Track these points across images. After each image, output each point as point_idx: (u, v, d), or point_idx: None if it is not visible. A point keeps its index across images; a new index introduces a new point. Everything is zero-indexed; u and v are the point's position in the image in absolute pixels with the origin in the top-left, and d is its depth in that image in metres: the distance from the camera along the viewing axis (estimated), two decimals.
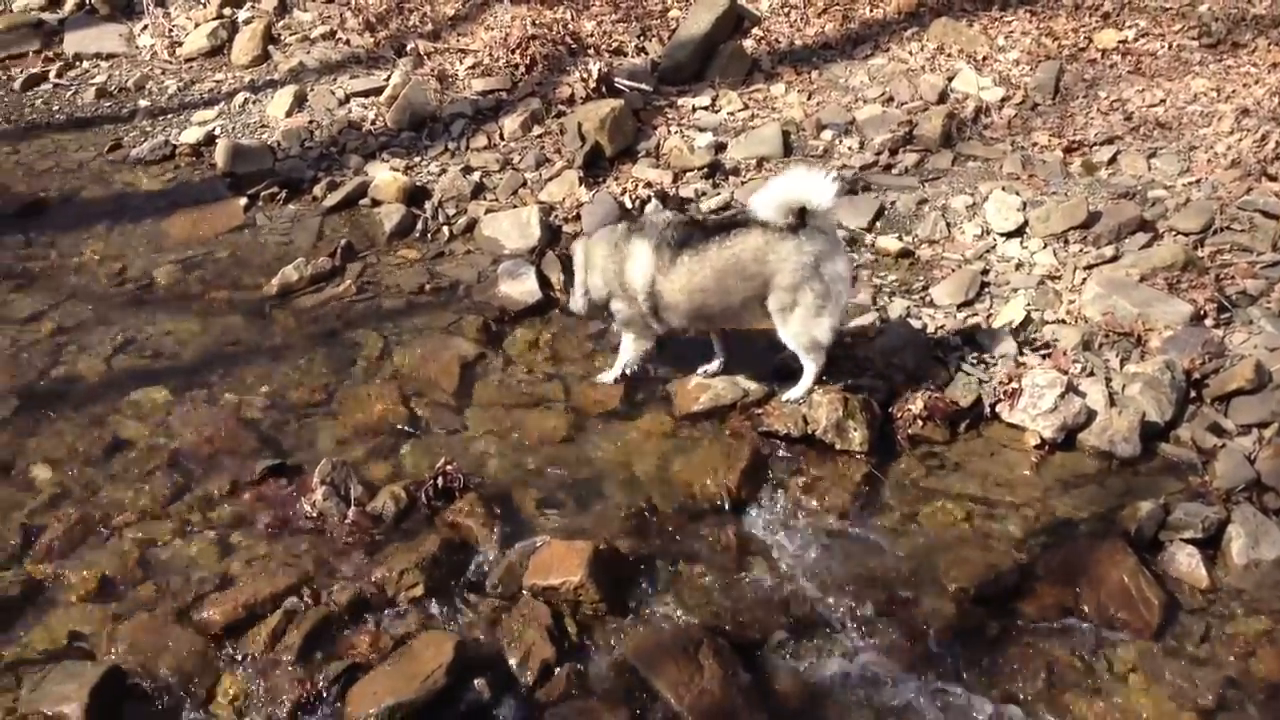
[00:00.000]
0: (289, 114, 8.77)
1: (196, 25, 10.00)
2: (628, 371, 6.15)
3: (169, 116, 9.13)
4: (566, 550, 4.90)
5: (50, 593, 4.87)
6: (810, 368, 5.80)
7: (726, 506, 5.33)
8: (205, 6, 10.17)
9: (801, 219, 5.52)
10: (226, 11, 10.07)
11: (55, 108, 9.40)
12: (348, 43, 9.60)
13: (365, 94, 8.91)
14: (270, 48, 9.67)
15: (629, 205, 7.37)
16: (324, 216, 7.76)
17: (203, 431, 5.81)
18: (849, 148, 7.98)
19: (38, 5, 10.65)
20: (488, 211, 7.63)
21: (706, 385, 6.00)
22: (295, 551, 5.07)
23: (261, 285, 7.03)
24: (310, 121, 8.65)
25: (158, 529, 5.20)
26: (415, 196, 7.79)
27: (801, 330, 5.69)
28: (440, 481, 5.32)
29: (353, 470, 5.38)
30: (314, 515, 5.22)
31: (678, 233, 5.78)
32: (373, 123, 8.61)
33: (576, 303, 6.14)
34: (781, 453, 5.64)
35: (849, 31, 9.18)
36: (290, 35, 9.80)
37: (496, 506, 5.30)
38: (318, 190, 8.00)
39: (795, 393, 5.84)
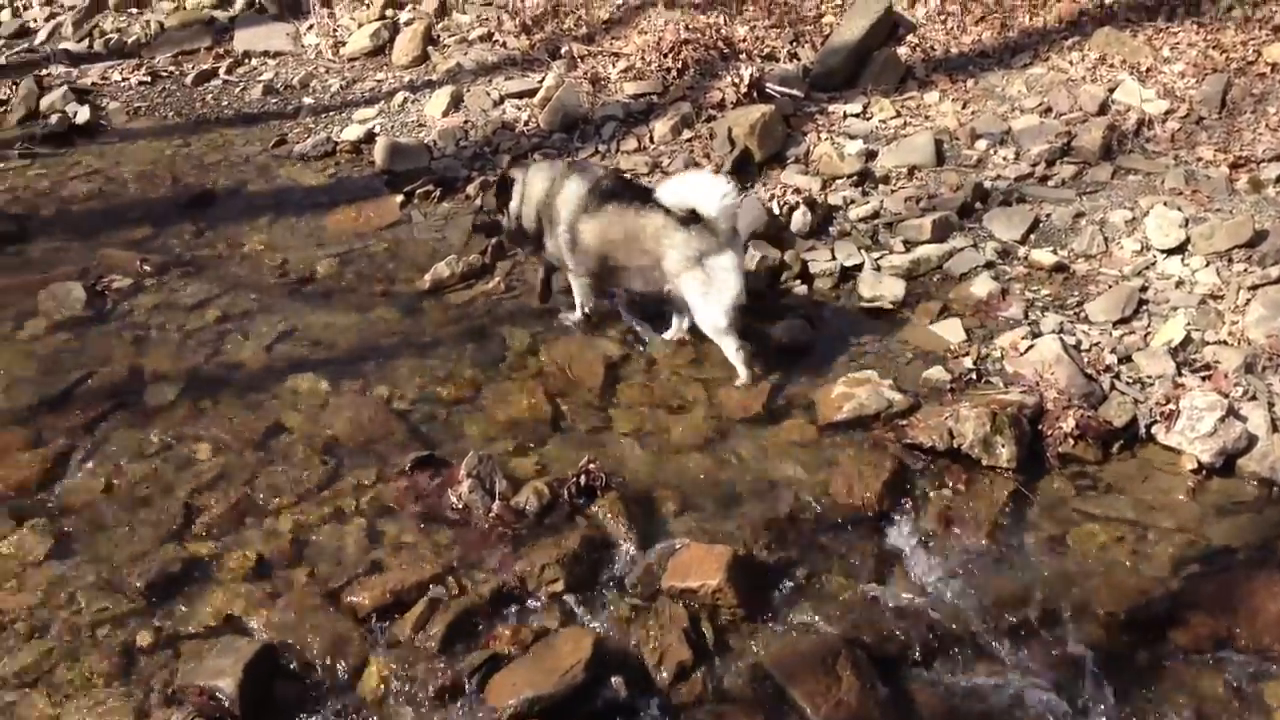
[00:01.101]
0: (445, 114, 8.96)
1: (360, 26, 10.29)
2: (588, 309, 6.66)
3: (331, 114, 9.41)
4: (706, 554, 4.92)
5: (209, 570, 5.05)
6: (723, 342, 6.21)
7: (868, 518, 5.28)
8: (369, 7, 10.46)
9: (695, 216, 5.98)
10: (389, 13, 10.34)
11: (224, 103, 9.76)
12: (504, 45, 9.77)
13: (519, 95, 9.06)
14: (429, 49, 9.90)
15: (776, 211, 7.35)
16: (476, 215, 7.88)
17: (356, 421, 5.98)
18: (1004, 158, 7.84)
19: (210, 3, 11.08)
20: None
21: (850, 395, 5.95)
22: (440, 542, 5.19)
23: (415, 281, 7.20)
24: (465, 121, 8.84)
25: (311, 513, 5.36)
26: None
27: (694, 309, 6.19)
28: (583, 479, 5.38)
29: (498, 465, 5.47)
30: (460, 507, 5.33)
31: (610, 184, 6.39)
32: (525, 124, 8.76)
33: (509, 224, 6.61)
34: (926, 466, 5.57)
35: (1007, 40, 9.02)
36: (449, 37, 10.02)
37: (637, 507, 5.34)
38: (471, 189, 8.15)
39: (742, 373, 6.20)
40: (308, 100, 9.63)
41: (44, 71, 10.14)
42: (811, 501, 5.39)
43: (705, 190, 5.99)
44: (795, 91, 8.53)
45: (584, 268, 6.50)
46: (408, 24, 10.14)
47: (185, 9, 11.06)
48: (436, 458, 5.66)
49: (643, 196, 6.29)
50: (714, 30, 9.14)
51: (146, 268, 7.22)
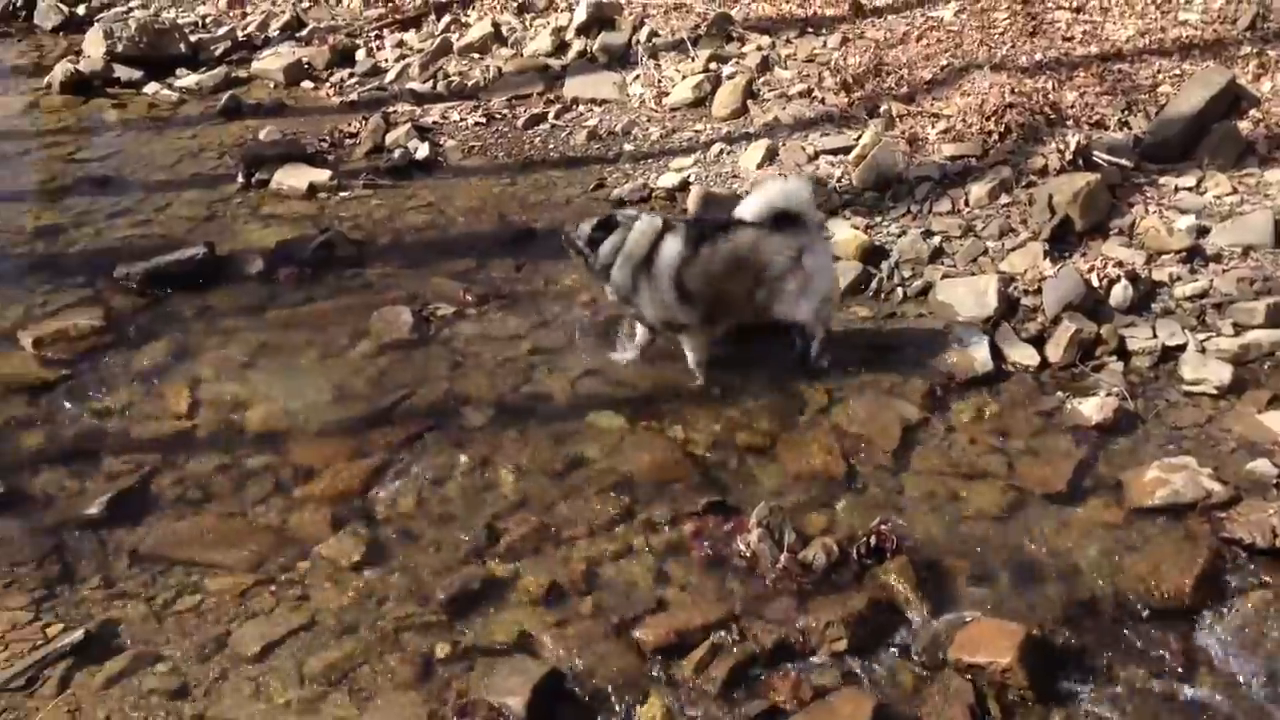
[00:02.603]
0: (760, 166, 9.09)
1: (683, 77, 10.58)
2: (637, 355, 6.92)
3: (649, 161, 9.69)
4: (997, 630, 4.78)
5: (505, 590, 5.26)
6: (816, 332, 6.79)
7: (1175, 611, 5.00)
8: (693, 60, 10.75)
9: (785, 220, 6.50)
10: (712, 66, 10.59)
11: (550, 146, 10.21)
12: (822, 101, 9.83)
13: (834, 152, 9.08)
14: (749, 102, 10.07)
15: (1095, 283, 7.08)
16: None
17: (651, 460, 6.11)
18: None
19: (545, 51, 11.62)
20: (944, 277, 7.58)
21: (1164, 480, 5.65)
22: (726, 587, 5.23)
23: None
24: (779, 174, 8.93)
25: (603, 546, 5.51)
26: (872, 255, 7.85)
27: (795, 305, 6.65)
28: (873, 540, 5.32)
29: (788, 517, 5.49)
30: (747, 555, 5.36)
31: (696, 230, 6.66)
32: (838, 180, 8.77)
33: (595, 262, 6.74)
34: (1243, 563, 5.22)
35: None
36: (769, 91, 10.16)
37: (927, 574, 5.23)
38: None
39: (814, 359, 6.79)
40: (628, 147, 9.95)
41: (391, 109, 10.88)
42: (1114, 587, 5.14)
43: (786, 189, 6.70)
44: (1124, 161, 8.21)
45: (694, 317, 6.67)
46: (729, 77, 10.36)
47: (522, 56, 11.66)
48: (728, 504, 5.73)
49: (725, 226, 6.69)
50: (1041, 95, 8.92)
51: (469, 298, 7.62)
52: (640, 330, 6.95)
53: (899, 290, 7.58)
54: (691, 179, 9.19)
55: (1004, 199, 8.14)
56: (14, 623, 5.08)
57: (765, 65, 10.50)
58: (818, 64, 10.38)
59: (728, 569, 5.34)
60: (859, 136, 9.10)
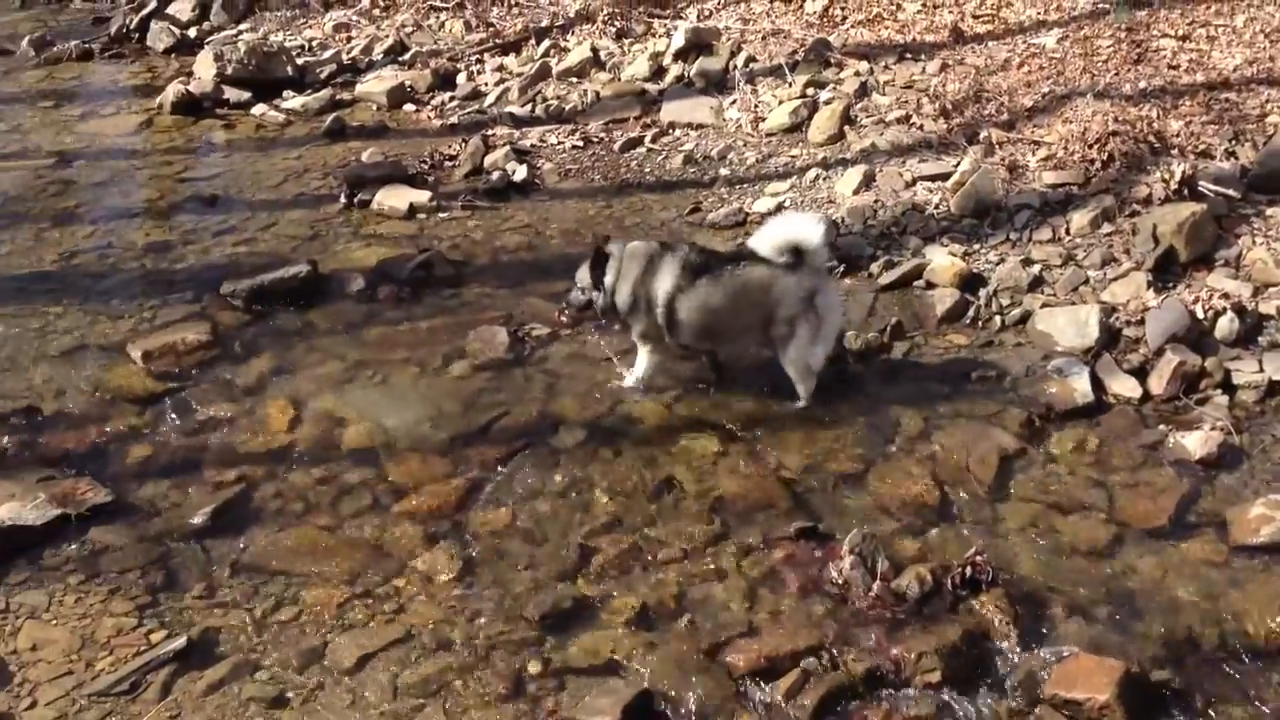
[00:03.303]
0: (856, 192, 9.05)
1: (780, 103, 10.58)
2: (643, 380, 6.91)
3: (744, 186, 9.70)
4: (1095, 666, 4.69)
5: (596, 610, 5.29)
6: (802, 390, 6.70)
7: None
8: (790, 86, 10.75)
9: (798, 258, 6.42)
10: (809, 91, 10.58)
11: (646, 169, 10.27)
12: (920, 128, 9.78)
13: (932, 178, 9.02)
14: (845, 128, 10.04)
15: (1200, 315, 6.95)
16: (877, 294, 7.93)
17: (743, 484, 6.12)
18: None
19: (642, 76, 11.71)
20: (1043, 306, 7.48)
21: (1270, 518, 5.52)
22: (817, 614, 5.21)
23: None
24: (875, 201, 8.89)
25: (695, 569, 5.52)
26: (970, 283, 7.79)
27: (799, 348, 6.58)
28: (968, 570, 5.26)
29: (881, 544, 5.44)
30: (839, 582, 5.33)
31: (698, 257, 6.68)
32: (936, 207, 8.71)
33: (604, 300, 6.80)
34: None
35: None
36: (866, 117, 10.13)
37: (1023, 606, 5.16)
38: (874, 267, 8.19)
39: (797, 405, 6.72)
40: (724, 171, 9.98)
41: (490, 132, 11.02)
42: (1215, 626, 5.04)
43: (803, 226, 6.54)
44: (1230, 191, 8.04)
45: (677, 341, 6.81)
46: (827, 103, 10.34)
47: (620, 80, 11.76)
48: (820, 530, 5.70)
49: (733, 259, 6.74)
50: (1145, 123, 8.77)
51: (564, 319, 7.67)
52: (646, 355, 6.95)
53: (997, 318, 7.50)
54: (786, 204, 9.18)
55: (1106, 228, 8.02)
56: (119, 628, 5.23)
57: (863, 91, 10.47)
58: (916, 90, 10.34)
59: (819, 595, 5.32)
60: (957, 163, 9.04)
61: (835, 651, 4.95)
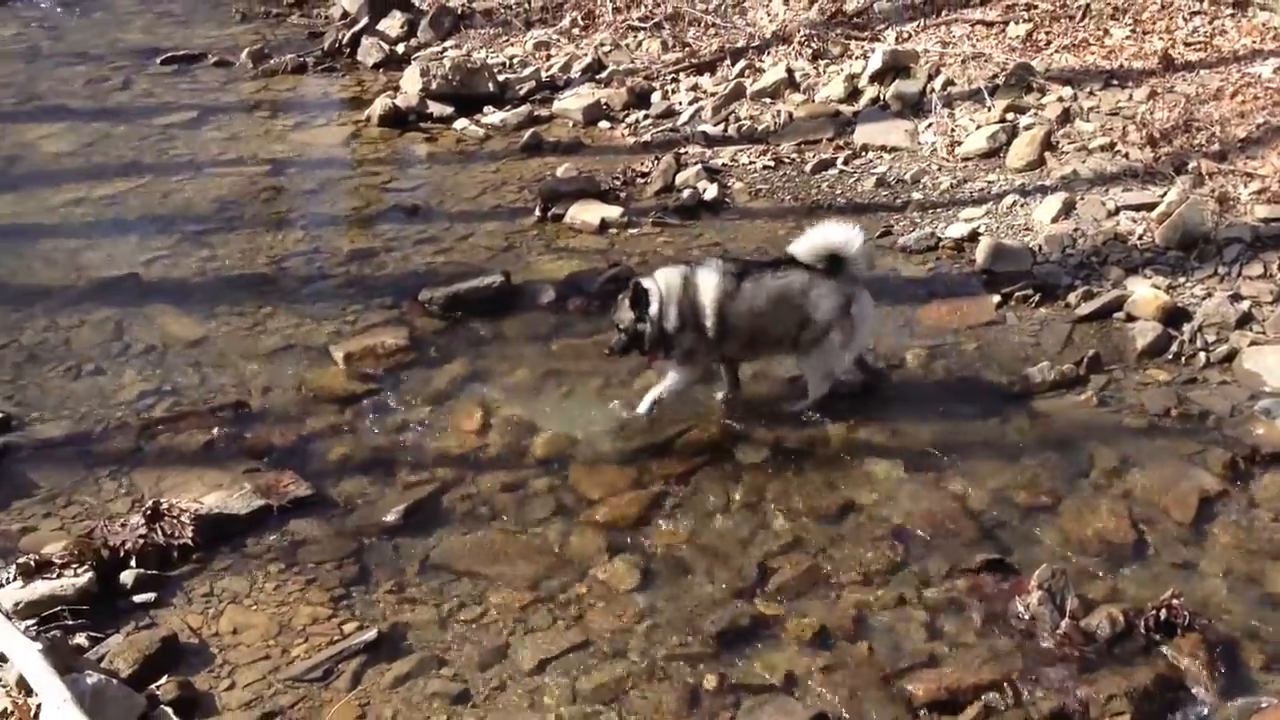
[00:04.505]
0: (1055, 220, 8.83)
1: (978, 127, 10.40)
2: (658, 404, 6.88)
3: (937, 210, 9.56)
4: None
5: (773, 629, 5.29)
6: (813, 393, 6.88)
7: None
8: (989, 110, 10.56)
9: (836, 265, 6.58)
10: (1009, 116, 10.38)
11: (837, 191, 10.21)
12: (1125, 156, 9.49)
13: (1136, 208, 8.74)
14: (1046, 154, 9.81)
15: None
16: (1074, 324, 7.73)
17: (927, 512, 6.04)
18: None
19: (837, 97, 11.66)
20: (1252, 344, 7.19)
21: None
22: (1001, 649, 5.11)
23: (1002, 382, 7.15)
24: (1075, 229, 8.66)
25: (875, 595, 5.47)
26: (1173, 317, 7.53)
27: (831, 355, 6.76)
28: (1164, 613, 5.08)
29: (1071, 581, 5.30)
30: (1026, 618, 5.21)
31: (736, 266, 6.84)
32: (1139, 237, 8.43)
33: (652, 331, 6.68)
34: None
35: None
36: (1068, 144, 9.88)
37: (1221, 653, 4.98)
38: (1072, 298, 7.98)
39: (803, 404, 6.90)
40: (916, 195, 9.85)
41: (682, 150, 11.11)
42: None
43: (843, 235, 6.62)
44: None
45: (727, 352, 6.90)
46: (1027, 128, 10.12)
47: (814, 102, 11.72)
48: (1006, 563, 5.58)
49: (772, 264, 6.94)
50: None
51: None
52: (674, 377, 6.92)
53: (1201, 355, 7.23)
54: (981, 230, 9.01)
55: None
56: (314, 617, 5.45)
57: (1066, 117, 10.21)
58: (1122, 117, 10.04)
59: (1004, 630, 5.22)
60: (1164, 193, 8.73)
61: (1019, 688, 4.85)
